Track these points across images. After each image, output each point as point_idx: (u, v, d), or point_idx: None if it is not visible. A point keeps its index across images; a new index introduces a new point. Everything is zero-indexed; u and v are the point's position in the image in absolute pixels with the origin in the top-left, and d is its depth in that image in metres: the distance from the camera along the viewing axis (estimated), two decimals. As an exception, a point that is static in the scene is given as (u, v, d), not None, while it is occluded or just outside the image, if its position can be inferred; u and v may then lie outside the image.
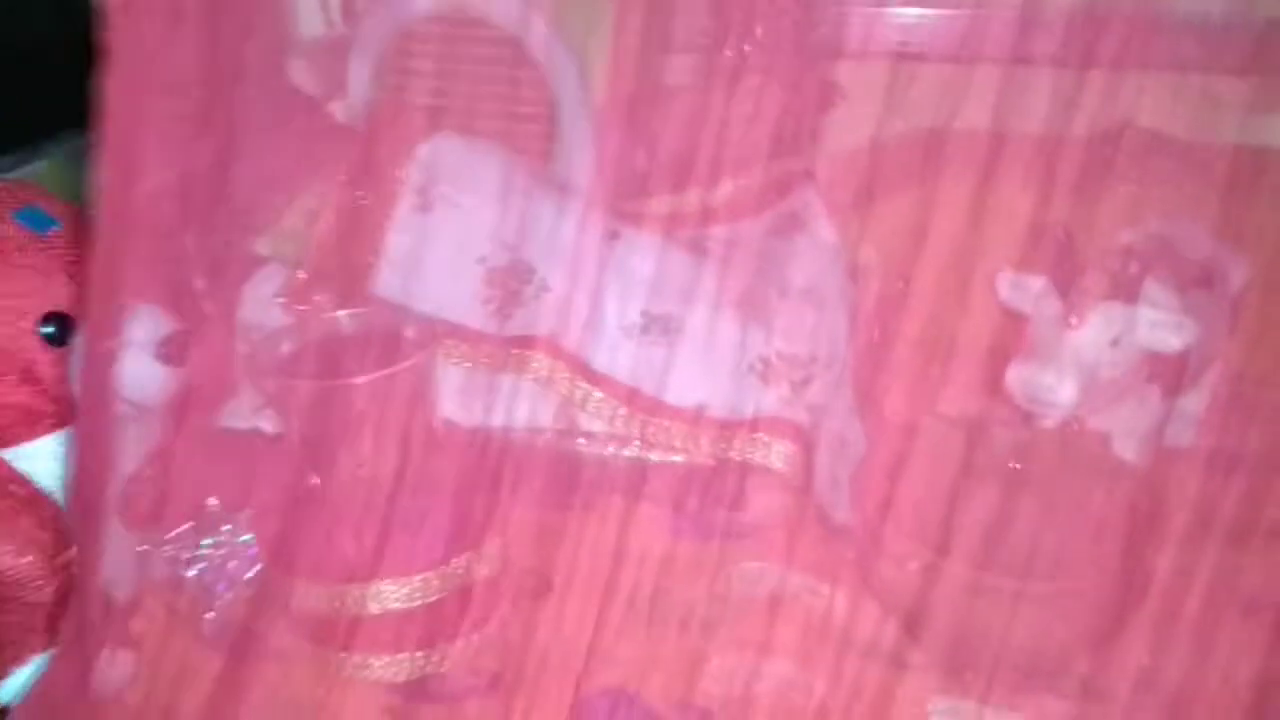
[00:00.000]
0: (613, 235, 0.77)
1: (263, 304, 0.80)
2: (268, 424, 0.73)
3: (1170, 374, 0.68)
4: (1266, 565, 0.61)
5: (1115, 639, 0.57)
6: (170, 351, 0.63)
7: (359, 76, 0.94)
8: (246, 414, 0.75)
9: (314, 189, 0.87)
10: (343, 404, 0.63)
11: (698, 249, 0.81)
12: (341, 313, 0.71)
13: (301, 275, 0.76)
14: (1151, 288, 0.63)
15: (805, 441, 0.71)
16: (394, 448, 0.66)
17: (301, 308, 0.73)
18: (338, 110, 0.94)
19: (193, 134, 0.79)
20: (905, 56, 1.01)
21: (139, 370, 0.62)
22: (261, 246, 0.85)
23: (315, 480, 0.67)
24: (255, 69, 0.90)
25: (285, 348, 0.69)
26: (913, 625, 0.60)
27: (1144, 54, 0.96)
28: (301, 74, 0.98)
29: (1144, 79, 0.99)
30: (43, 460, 0.65)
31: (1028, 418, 0.65)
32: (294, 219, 0.87)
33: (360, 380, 0.62)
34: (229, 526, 0.69)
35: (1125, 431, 0.68)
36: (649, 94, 0.98)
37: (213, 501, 0.70)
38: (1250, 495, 0.68)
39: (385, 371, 0.63)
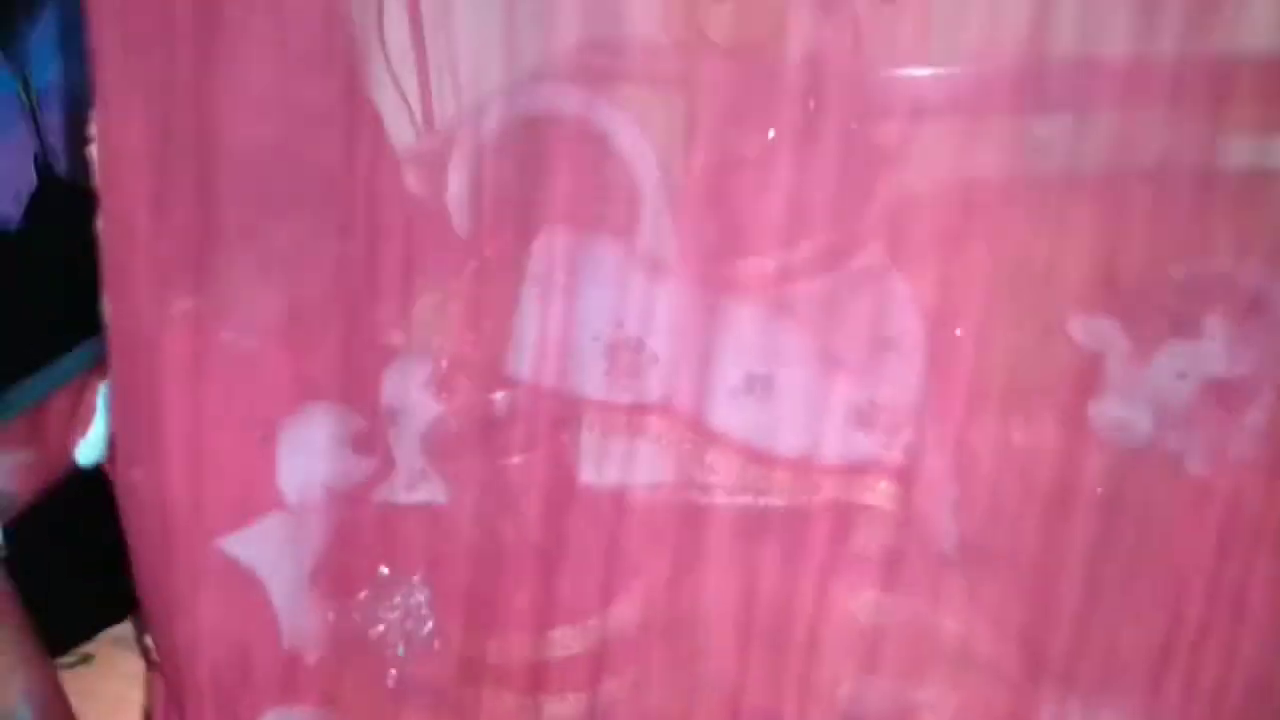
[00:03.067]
0: (710, 307, 0.87)
1: (404, 390, 0.90)
2: (425, 496, 0.83)
3: (1233, 397, 0.75)
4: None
5: (1199, 647, 0.63)
6: (365, 444, 0.73)
7: (459, 181, 1.04)
8: (403, 490, 0.85)
9: (436, 283, 0.98)
10: (503, 477, 0.72)
11: (787, 311, 0.90)
12: (497, 395, 0.81)
13: (444, 364, 0.86)
14: (1209, 322, 0.70)
15: (905, 479, 0.79)
16: (546, 513, 0.75)
17: (453, 394, 0.83)
18: (448, 211, 1.04)
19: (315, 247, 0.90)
20: (941, 112, 1.11)
21: (328, 465, 0.72)
22: (394, 338, 0.95)
23: (482, 544, 0.76)
24: (367, 178, 1.01)
25: (452, 428, 0.78)
26: (1029, 645, 0.67)
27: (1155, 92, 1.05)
28: (410, 179, 1.09)
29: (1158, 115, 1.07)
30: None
31: (1109, 446, 0.73)
32: (422, 311, 0.97)
33: (517, 459, 0.71)
34: (400, 594, 0.79)
35: (1196, 451, 0.75)
36: (723, 168, 1.08)
37: (384, 570, 0.79)
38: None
39: (538, 450, 0.72)
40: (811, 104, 1.09)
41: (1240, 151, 1.06)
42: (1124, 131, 1.06)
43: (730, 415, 0.83)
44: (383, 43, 1.18)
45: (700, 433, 0.83)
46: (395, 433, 0.88)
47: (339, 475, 0.75)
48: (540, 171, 1.02)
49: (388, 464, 0.79)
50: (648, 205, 1.02)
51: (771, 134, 1.08)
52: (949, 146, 1.08)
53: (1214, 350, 0.70)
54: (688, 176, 1.06)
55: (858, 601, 0.76)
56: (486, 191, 1.03)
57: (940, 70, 1.09)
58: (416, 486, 0.83)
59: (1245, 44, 1.04)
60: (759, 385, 0.83)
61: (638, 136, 1.03)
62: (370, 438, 0.74)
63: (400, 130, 1.17)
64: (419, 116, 1.21)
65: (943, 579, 0.75)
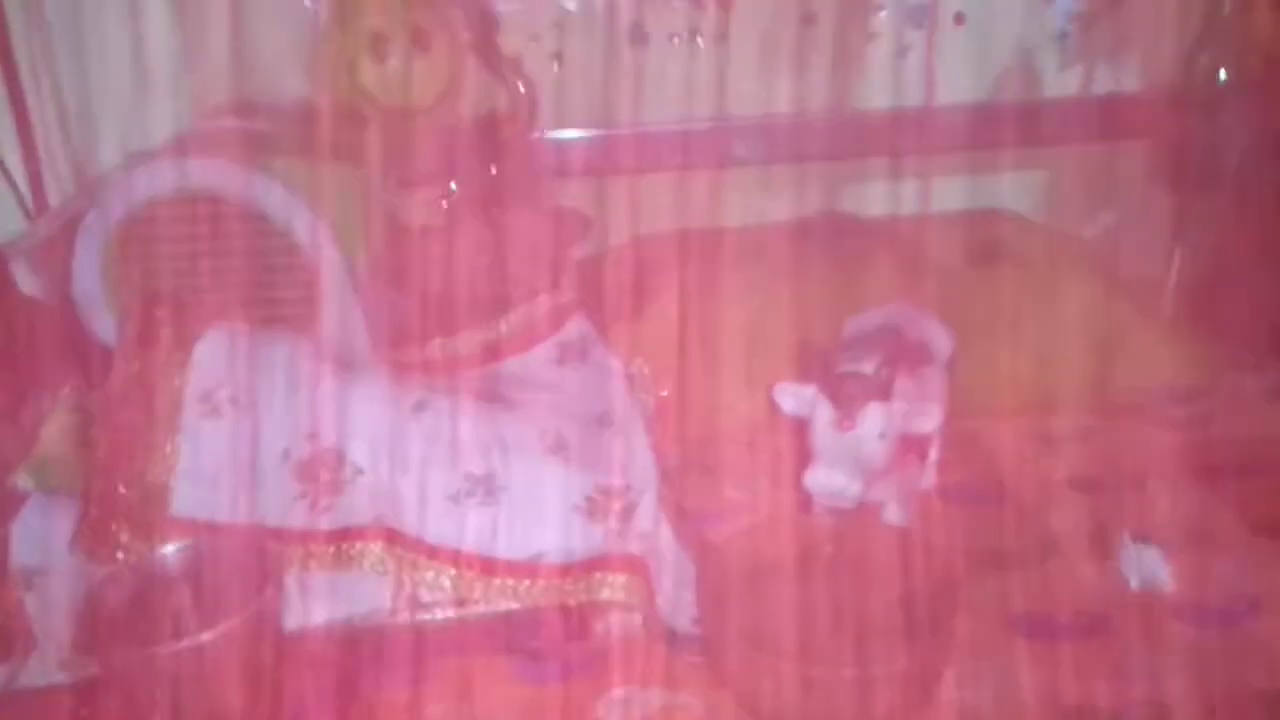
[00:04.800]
0: (414, 404, 0.79)
1: (41, 547, 0.73)
2: (80, 674, 0.68)
3: (921, 444, 0.81)
4: (1029, 585, 0.76)
5: (934, 693, 0.67)
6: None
7: (88, 274, 0.88)
8: (52, 669, 0.69)
9: (69, 402, 0.81)
10: (191, 654, 0.60)
11: (500, 401, 0.84)
12: (169, 548, 0.67)
13: (92, 511, 0.71)
14: (901, 383, 0.75)
15: (641, 568, 0.77)
16: (248, 677, 0.64)
17: (111, 554, 0.68)
18: (77, 312, 0.87)
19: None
20: (627, 171, 1.12)
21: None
22: (22, 480, 0.78)
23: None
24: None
25: (110, 602, 0.64)
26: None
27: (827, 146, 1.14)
28: (24, 278, 0.90)
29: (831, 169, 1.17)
30: None
31: (826, 509, 0.75)
32: (53, 440, 0.80)
33: (212, 635, 0.59)
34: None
35: (891, 498, 0.81)
36: (403, 242, 1.01)
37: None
38: (987, 523, 0.84)
39: (238, 618, 0.60)
40: (493, 169, 1.06)
41: (880, 198, 1.18)
42: (795, 184, 1.15)
43: (449, 524, 0.76)
44: (-30, 114, 0.98)
45: (417, 549, 0.75)
46: (35, 600, 0.71)
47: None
48: (196, 260, 0.89)
49: (27, 651, 0.63)
50: (329, 292, 0.92)
51: (445, 204, 1.03)
52: (638, 206, 1.10)
53: (907, 409, 0.75)
54: (368, 254, 0.97)
55: (605, 701, 0.73)
56: (128, 287, 0.88)
57: (622, 130, 1.10)
58: (70, 667, 0.67)
59: (876, 101, 1.16)
60: (480, 488, 0.77)
61: (308, 215, 0.93)
62: (4, 633, 0.58)
63: (5, 217, 0.97)
64: (28, 198, 1.02)
65: (687, 663, 0.74)
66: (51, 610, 0.68)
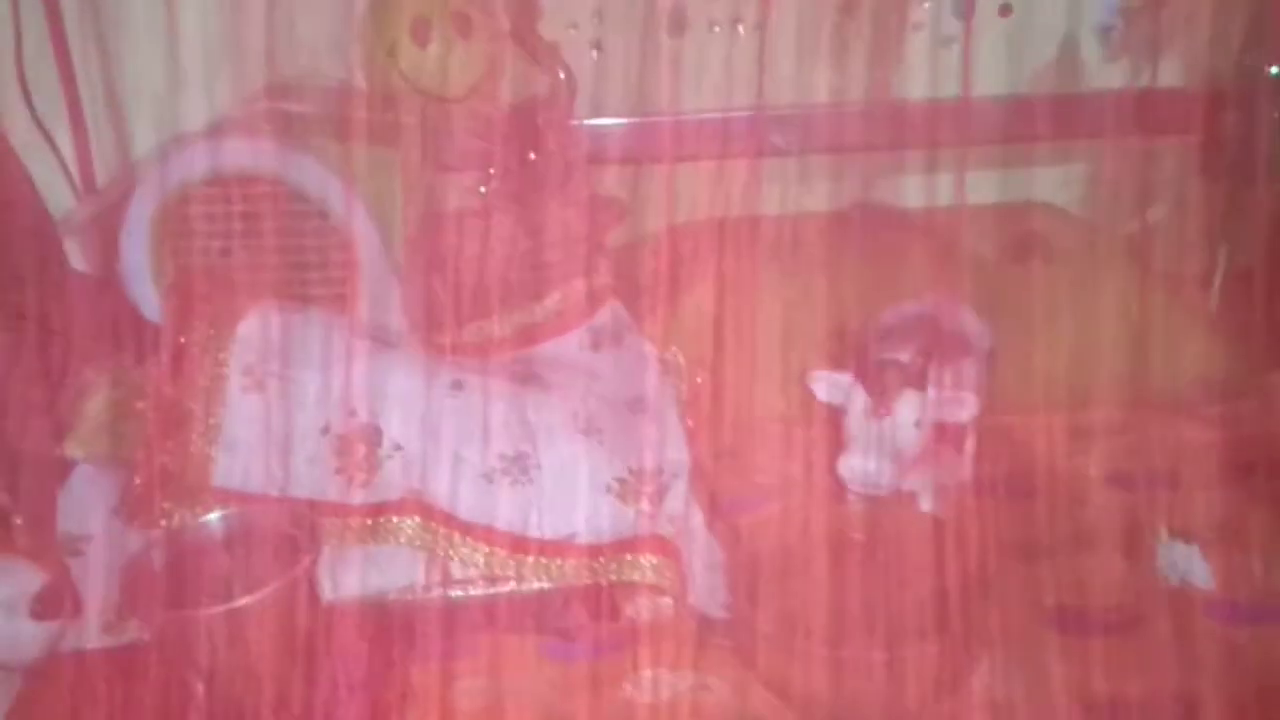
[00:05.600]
0: (456, 386, 0.80)
1: (86, 515, 0.75)
2: (123, 638, 0.69)
3: (957, 434, 0.81)
4: (1063, 578, 0.75)
5: (964, 683, 0.67)
6: (45, 607, 0.59)
7: (135, 251, 0.90)
8: (95, 633, 0.71)
9: (116, 377, 0.83)
10: (228, 622, 0.61)
11: (535, 383, 0.85)
12: (210, 516, 0.69)
13: (137, 480, 0.72)
14: (936, 371, 0.75)
15: (671, 551, 0.77)
16: (284, 643, 0.65)
17: (154, 521, 0.70)
18: (124, 288, 0.89)
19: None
20: (662, 159, 1.13)
21: (8, 631, 0.57)
22: (70, 449, 0.80)
23: (199, 689, 0.65)
24: (19, 255, 0.85)
25: (154, 566, 0.65)
26: (800, 706, 0.67)
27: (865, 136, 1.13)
28: (73, 254, 0.92)
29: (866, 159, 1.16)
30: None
31: (859, 496, 0.75)
32: (99, 411, 0.82)
33: (250, 600, 0.61)
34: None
35: (926, 488, 0.80)
36: (441, 226, 1.02)
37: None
38: (1021, 516, 0.83)
39: (276, 584, 0.62)
40: (532, 155, 1.07)
41: (919, 189, 1.17)
42: (833, 174, 1.14)
43: (483, 502, 0.77)
44: (25, 92, 1.00)
45: (452, 525, 0.76)
46: (80, 565, 0.73)
47: (10, 647, 0.60)
48: (241, 239, 0.90)
49: (75, 612, 0.65)
50: (367, 273, 0.93)
51: (483, 189, 1.04)
52: (675, 194, 1.10)
53: (942, 397, 0.75)
54: (406, 237, 0.99)
55: (632, 681, 0.73)
56: (175, 264, 0.90)
57: (660, 118, 1.11)
58: (114, 630, 0.69)
59: (917, 91, 1.15)
60: (515, 466, 0.78)
61: (346, 196, 0.94)
62: (53, 592, 0.60)
63: (56, 196, 1.00)
64: (77, 177, 1.04)
65: (715, 646, 0.74)
66: (96, 575, 0.69)
